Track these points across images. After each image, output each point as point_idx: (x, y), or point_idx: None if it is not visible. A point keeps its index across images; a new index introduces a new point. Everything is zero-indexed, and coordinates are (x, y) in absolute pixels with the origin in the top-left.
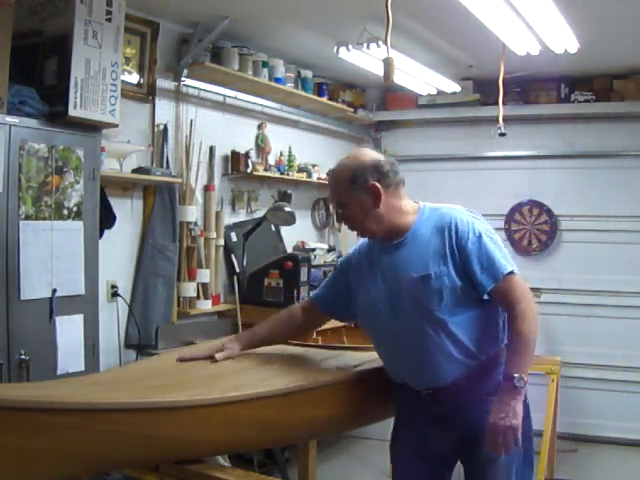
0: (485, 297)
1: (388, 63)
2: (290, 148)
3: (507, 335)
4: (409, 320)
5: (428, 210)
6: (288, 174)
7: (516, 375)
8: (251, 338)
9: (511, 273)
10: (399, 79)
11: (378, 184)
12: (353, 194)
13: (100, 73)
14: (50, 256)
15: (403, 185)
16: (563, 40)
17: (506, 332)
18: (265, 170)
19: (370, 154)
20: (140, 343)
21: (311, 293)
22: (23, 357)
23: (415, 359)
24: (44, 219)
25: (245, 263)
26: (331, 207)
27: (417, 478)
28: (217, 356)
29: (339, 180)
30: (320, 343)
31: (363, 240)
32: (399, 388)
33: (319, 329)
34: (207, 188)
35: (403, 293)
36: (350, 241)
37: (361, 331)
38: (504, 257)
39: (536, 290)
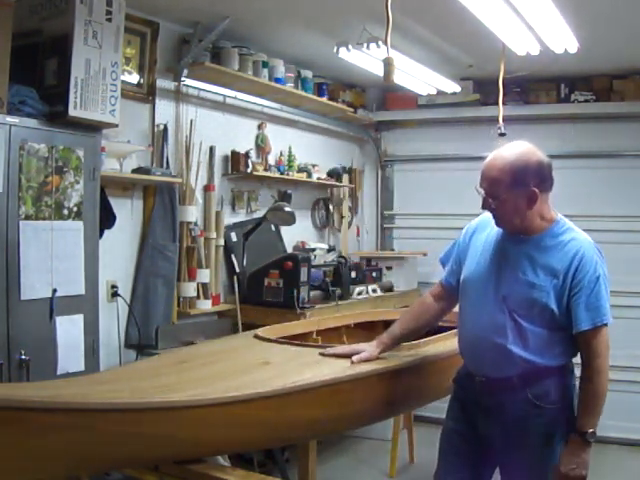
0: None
1: (388, 63)
2: (290, 148)
3: (581, 385)
4: (495, 309)
5: (564, 226)
6: (288, 174)
7: (589, 431)
8: (391, 341)
9: (606, 325)
10: (399, 79)
11: (537, 191)
12: (512, 193)
13: (100, 73)
14: (50, 256)
15: (551, 188)
16: (563, 40)
17: (572, 355)
18: (265, 170)
19: (536, 154)
20: (140, 343)
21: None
22: (23, 357)
23: (484, 344)
24: (44, 219)
25: (245, 263)
26: (477, 188)
27: (463, 467)
28: (354, 358)
29: (500, 174)
30: (320, 343)
31: (485, 216)
32: (459, 375)
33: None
34: (207, 188)
35: (502, 286)
36: (350, 241)
37: (361, 331)
38: (608, 307)
39: None
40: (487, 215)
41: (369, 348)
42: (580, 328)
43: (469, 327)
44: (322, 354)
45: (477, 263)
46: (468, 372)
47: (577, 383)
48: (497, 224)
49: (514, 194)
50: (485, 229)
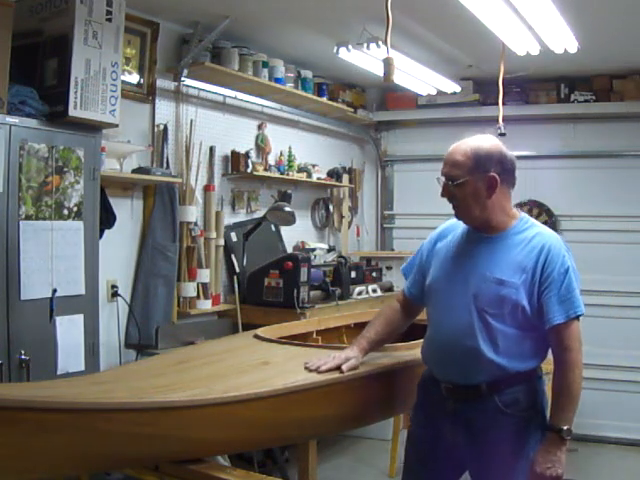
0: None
1: (388, 63)
2: (290, 148)
3: (554, 381)
4: (464, 312)
5: (528, 223)
6: (288, 174)
7: (565, 428)
8: (369, 345)
9: (579, 317)
10: (399, 79)
11: (497, 177)
12: (471, 176)
13: (100, 73)
14: (50, 256)
15: (513, 187)
16: (563, 40)
17: (542, 358)
18: (265, 170)
19: (499, 145)
20: (140, 343)
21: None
22: (23, 357)
23: (451, 349)
24: (44, 219)
25: (245, 263)
26: (437, 178)
27: (427, 474)
28: (344, 367)
29: (462, 157)
30: (320, 343)
31: (454, 221)
32: (424, 380)
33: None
34: (207, 188)
35: (470, 286)
36: (350, 241)
37: (361, 331)
38: (580, 298)
39: None
40: (449, 223)
41: (353, 354)
42: (553, 322)
43: (437, 332)
44: (308, 369)
45: (442, 268)
46: (434, 378)
47: (546, 389)
48: (457, 215)
49: (474, 178)
50: (447, 236)
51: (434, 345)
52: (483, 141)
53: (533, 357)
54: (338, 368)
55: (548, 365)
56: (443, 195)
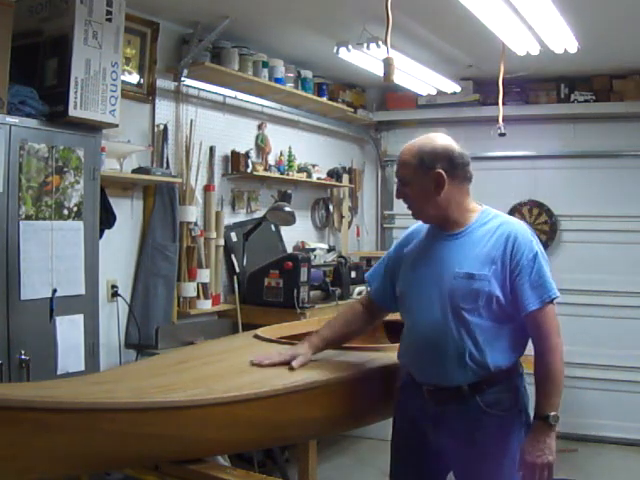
0: (522, 316)
1: (388, 63)
2: (290, 148)
3: (536, 368)
4: (439, 312)
5: (491, 214)
6: (288, 174)
7: (551, 414)
8: (322, 343)
9: (554, 300)
10: (399, 79)
11: (444, 174)
12: (417, 175)
13: (100, 73)
14: (50, 256)
15: (470, 182)
16: (563, 40)
17: (521, 352)
18: (265, 170)
19: (447, 141)
20: (140, 343)
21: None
22: (23, 357)
23: (430, 351)
24: (44, 219)
25: (245, 263)
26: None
27: (413, 476)
28: (294, 363)
29: (409, 157)
30: None
31: (418, 225)
32: (405, 383)
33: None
34: (207, 188)
35: (442, 284)
36: (350, 241)
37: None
38: (553, 282)
39: None
40: (413, 227)
41: (302, 351)
42: (529, 309)
43: (414, 335)
44: (257, 364)
45: (412, 271)
46: (414, 381)
47: (527, 386)
48: (413, 214)
49: (420, 177)
50: (413, 240)
51: (412, 348)
52: (430, 139)
53: (513, 350)
54: (284, 364)
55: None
56: (398, 197)
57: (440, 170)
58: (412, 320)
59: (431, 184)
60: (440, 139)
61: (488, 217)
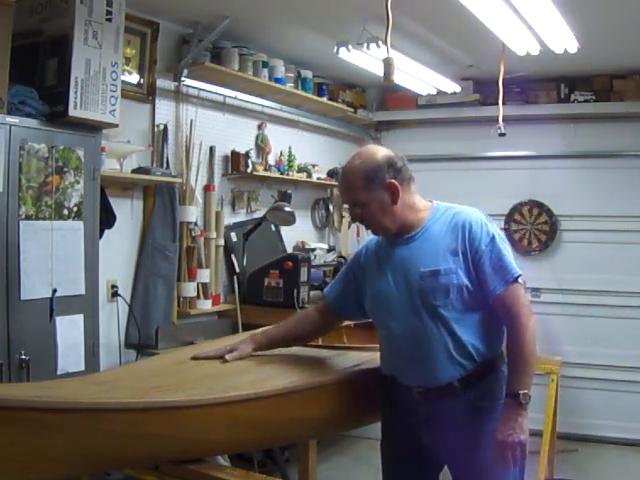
0: (490, 302)
1: (388, 63)
2: (290, 148)
3: (508, 348)
4: (414, 315)
5: (442, 208)
6: (288, 174)
7: (522, 392)
8: (266, 340)
9: (518, 278)
10: (399, 79)
11: (395, 181)
12: (370, 193)
13: (100, 73)
14: (50, 256)
15: (413, 181)
16: (563, 40)
17: (502, 339)
18: (265, 170)
19: (381, 151)
20: (140, 343)
21: (321, 292)
22: (23, 357)
23: (414, 355)
24: (44, 219)
25: (245, 263)
26: (343, 207)
27: (406, 474)
28: (228, 357)
29: (354, 180)
30: (320, 343)
31: (371, 237)
32: (391, 386)
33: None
34: (207, 188)
35: (411, 287)
36: (350, 241)
37: (361, 331)
38: (513, 261)
39: (536, 290)
40: (364, 242)
41: (242, 346)
42: (495, 292)
43: (394, 342)
44: (194, 358)
45: (378, 280)
46: (402, 385)
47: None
48: (374, 232)
49: (374, 194)
50: (371, 250)
51: (394, 356)
52: (366, 156)
53: (493, 337)
54: (220, 357)
55: (552, 365)
56: (354, 220)
57: (391, 180)
58: (388, 328)
59: (386, 196)
60: (377, 152)
61: (441, 211)
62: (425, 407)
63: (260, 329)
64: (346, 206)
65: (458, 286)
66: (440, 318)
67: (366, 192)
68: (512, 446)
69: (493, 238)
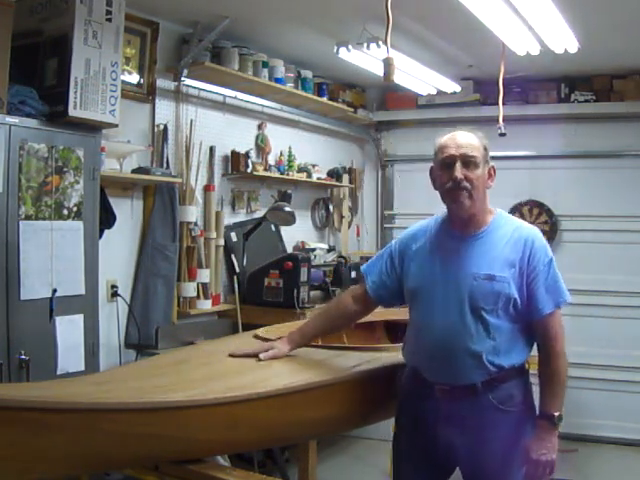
0: (534, 319)
1: (388, 63)
2: (290, 148)
3: (541, 369)
4: (457, 312)
5: (505, 217)
6: (288, 174)
7: (556, 414)
8: (302, 338)
9: (561, 305)
10: (399, 79)
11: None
12: (483, 160)
13: (100, 73)
14: (50, 256)
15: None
16: (563, 40)
17: (530, 351)
18: (265, 170)
19: None
20: (140, 343)
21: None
22: (23, 357)
23: (447, 351)
24: (44, 219)
25: (245, 263)
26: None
27: (418, 475)
28: (262, 356)
29: (474, 141)
30: (320, 343)
31: (422, 224)
32: (408, 382)
33: None
34: (207, 188)
35: (461, 284)
36: (350, 241)
37: (361, 331)
38: (565, 286)
39: None
40: (418, 225)
41: (279, 346)
42: (543, 312)
43: (428, 335)
44: (232, 355)
45: (426, 270)
46: (425, 381)
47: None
48: (458, 198)
49: (483, 164)
50: (421, 238)
51: (425, 348)
52: (480, 135)
53: (524, 350)
54: (255, 356)
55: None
56: (452, 179)
57: (493, 165)
58: (425, 319)
59: (486, 173)
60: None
61: (502, 220)
62: (446, 406)
63: (297, 328)
64: (449, 162)
65: (507, 296)
66: (483, 322)
67: (482, 157)
68: (544, 465)
69: (551, 260)
